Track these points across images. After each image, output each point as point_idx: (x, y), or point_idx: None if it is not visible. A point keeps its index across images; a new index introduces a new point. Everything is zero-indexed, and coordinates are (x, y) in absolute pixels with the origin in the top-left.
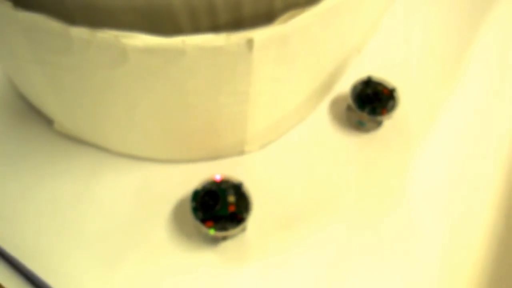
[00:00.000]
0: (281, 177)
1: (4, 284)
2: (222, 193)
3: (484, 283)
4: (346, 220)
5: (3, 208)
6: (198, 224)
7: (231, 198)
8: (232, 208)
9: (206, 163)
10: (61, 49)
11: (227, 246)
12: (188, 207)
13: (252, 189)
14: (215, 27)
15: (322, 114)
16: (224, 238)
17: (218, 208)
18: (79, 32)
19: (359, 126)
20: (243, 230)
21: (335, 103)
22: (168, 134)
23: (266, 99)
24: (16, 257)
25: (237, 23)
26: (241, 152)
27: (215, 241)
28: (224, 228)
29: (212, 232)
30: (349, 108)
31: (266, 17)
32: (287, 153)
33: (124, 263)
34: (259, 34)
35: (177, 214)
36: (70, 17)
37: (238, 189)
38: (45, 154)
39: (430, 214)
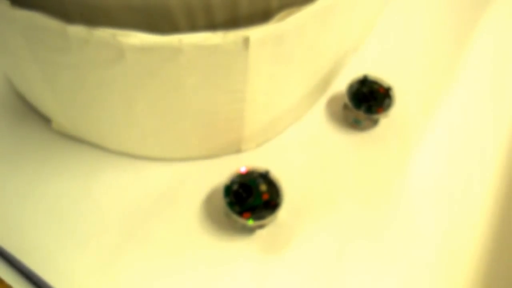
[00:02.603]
0: (277, 176)
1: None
2: (253, 184)
3: (480, 281)
4: (342, 218)
5: (1, 206)
6: (235, 217)
7: (263, 187)
8: (266, 196)
9: (203, 161)
10: (58, 48)
11: (262, 233)
12: (194, 204)
13: None
14: (211, 26)
15: (318, 112)
16: (261, 227)
17: (253, 199)
18: (76, 31)
19: (355, 125)
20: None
21: (331, 102)
22: (165, 133)
23: (262, 98)
24: (14, 255)
25: (233, 22)
26: (238, 151)
27: (251, 231)
28: (261, 217)
29: (251, 222)
30: (345, 106)
31: (262, 16)
32: (284, 151)
33: (122, 261)
34: (255, 33)
35: (180, 212)
36: (67, 16)
37: (265, 177)
38: (43, 153)
39: (426, 212)
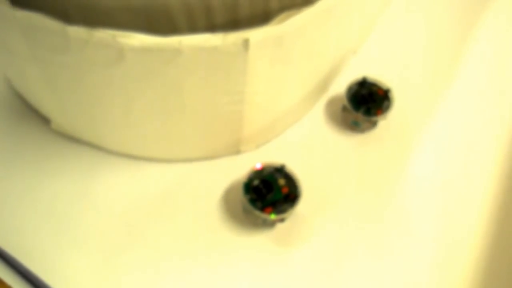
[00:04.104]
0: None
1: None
2: (272, 179)
3: (478, 281)
4: (340, 219)
5: (0, 206)
6: (257, 213)
7: (282, 181)
8: (285, 190)
9: (202, 162)
10: (58, 48)
11: (282, 227)
12: (194, 205)
13: None
14: (211, 27)
15: (317, 114)
16: (282, 220)
17: (273, 193)
18: (76, 31)
19: (354, 127)
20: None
21: (330, 104)
22: (164, 134)
23: (262, 99)
24: (13, 255)
25: (233, 24)
26: (237, 152)
27: (271, 225)
28: (283, 211)
29: (273, 216)
30: (344, 108)
31: (262, 18)
32: (283, 153)
33: (121, 261)
34: (255, 34)
35: (180, 212)
36: (67, 16)
37: (282, 171)
38: (42, 153)
39: (423, 213)
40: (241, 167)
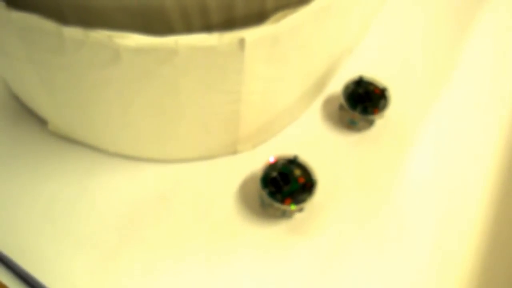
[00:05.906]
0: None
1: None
2: (287, 170)
3: (474, 280)
4: (337, 218)
5: None
6: (278, 205)
7: (297, 171)
8: (302, 180)
9: (200, 162)
10: (54, 49)
11: (298, 217)
12: (191, 206)
13: (246, 188)
14: (207, 27)
15: (314, 113)
16: (300, 210)
17: (290, 184)
18: (72, 32)
19: (351, 126)
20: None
21: (327, 103)
22: (161, 134)
23: (258, 99)
24: (10, 257)
25: (229, 23)
26: (234, 152)
27: (290, 216)
28: (301, 200)
29: (293, 207)
30: (341, 107)
31: (257, 17)
32: (280, 152)
33: (119, 262)
34: (251, 34)
35: (177, 213)
36: (63, 17)
37: (295, 162)
38: (39, 155)
39: (420, 212)
40: (237, 167)
